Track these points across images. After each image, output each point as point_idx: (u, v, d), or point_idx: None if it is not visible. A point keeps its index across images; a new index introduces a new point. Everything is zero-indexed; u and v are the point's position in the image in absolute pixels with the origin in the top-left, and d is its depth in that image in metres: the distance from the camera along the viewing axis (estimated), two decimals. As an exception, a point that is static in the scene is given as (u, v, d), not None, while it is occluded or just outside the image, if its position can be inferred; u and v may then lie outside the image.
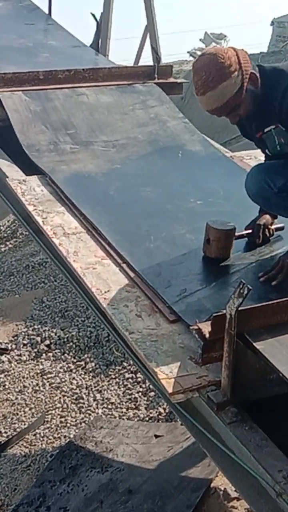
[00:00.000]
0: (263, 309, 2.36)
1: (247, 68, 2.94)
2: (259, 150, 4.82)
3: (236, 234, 3.30)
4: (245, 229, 3.40)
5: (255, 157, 4.66)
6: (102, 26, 8.49)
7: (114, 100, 5.11)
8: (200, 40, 24.08)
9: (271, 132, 3.09)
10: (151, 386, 5.33)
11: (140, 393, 5.29)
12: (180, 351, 2.65)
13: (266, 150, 3.24)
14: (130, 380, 5.52)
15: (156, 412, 4.95)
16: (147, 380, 5.40)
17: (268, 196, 3.24)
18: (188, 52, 19.59)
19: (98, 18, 6.96)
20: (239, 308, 2.23)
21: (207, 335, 2.36)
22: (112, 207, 3.82)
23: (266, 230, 3.40)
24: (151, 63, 15.61)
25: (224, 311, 2.29)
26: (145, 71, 5.44)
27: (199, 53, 18.96)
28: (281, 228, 3.47)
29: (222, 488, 3.74)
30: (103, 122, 4.87)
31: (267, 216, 3.43)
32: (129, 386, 5.44)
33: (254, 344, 2.30)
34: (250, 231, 3.40)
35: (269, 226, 3.42)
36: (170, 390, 2.44)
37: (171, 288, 3.04)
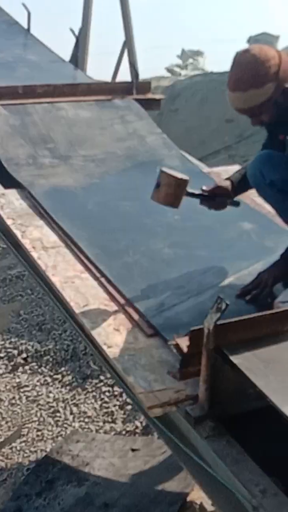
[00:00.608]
0: (240, 324, 2.38)
1: (283, 81, 2.89)
2: (236, 166, 4.89)
3: (190, 190, 3.26)
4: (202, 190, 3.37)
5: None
6: (80, 41, 8.54)
7: (93, 115, 5.14)
8: (177, 56, 24.23)
9: None
10: (128, 400, 5.33)
11: (117, 407, 5.29)
12: (158, 365, 2.67)
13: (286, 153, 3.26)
14: (107, 393, 5.52)
15: (133, 426, 4.96)
16: (124, 394, 5.41)
17: (260, 185, 3.30)
18: (165, 68, 19.70)
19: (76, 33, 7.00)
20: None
21: (185, 350, 2.38)
22: (91, 221, 3.84)
23: (222, 198, 3.39)
24: (129, 78, 15.76)
25: (202, 325, 2.32)
26: (124, 87, 5.49)
27: (176, 69, 19.12)
28: (236, 204, 3.48)
29: (198, 502, 3.75)
30: (82, 137, 4.89)
31: (228, 183, 3.41)
32: (106, 399, 5.45)
33: (231, 358, 2.33)
34: (205, 193, 3.37)
35: (225, 197, 3.40)
36: (148, 404, 2.45)
37: (149, 302, 3.06)
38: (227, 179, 3.46)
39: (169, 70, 19.16)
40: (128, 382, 2.58)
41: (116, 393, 5.49)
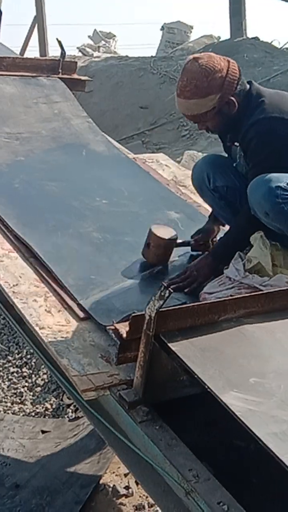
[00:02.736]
0: (179, 312, 2.41)
1: (228, 93, 2.97)
2: (161, 154, 4.93)
3: (179, 241, 3.34)
4: (192, 237, 3.44)
5: (156, 160, 4.75)
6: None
7: (17, 92, 5.04)
8: (89, 37, 24.03)
9: (234, 147, 3.19)
10: (37, 381, 5.31)
11: (25, 388, 5.24)
12: (91, 348, 2.67)
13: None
14: (15, 374, 5.45)
15: (43, 407, 4.93)
16: (33, 375, 5.38)
17: (203, 188, 3.37)
18: (77, 48, 19.47)
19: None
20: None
21: (124, 335, 2.39)
22: (18, 199, 3.79)
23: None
24: (38, 53, 15.49)
25: (138, 312, 2.34)
26: (49, 65, 5.40)
27: (88, 50, 18.97)
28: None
29: (111, 485, 3.79)
30: (6, 113, 4.80)
31: (214, 228, 3.47)
32: (14, 380, 5.38)
33: (170, 345, 2.35)
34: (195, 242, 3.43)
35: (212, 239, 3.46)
36: (82, 387, 2.46)
37: (80, 285, 3.06)
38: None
39: (80, 50, 18.93)
40: (61, 365, 2.57)
41: (25, 374, 5.44)
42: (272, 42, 13.14)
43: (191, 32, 19.20)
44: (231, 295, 2.79)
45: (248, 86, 3.08)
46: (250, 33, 13.66)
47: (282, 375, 2.26)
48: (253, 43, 12.58)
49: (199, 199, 3.97)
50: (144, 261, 3.31)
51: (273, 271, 2.99)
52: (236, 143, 3.17)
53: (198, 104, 2.98)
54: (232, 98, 2.99)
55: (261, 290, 2.79)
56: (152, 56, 13.52)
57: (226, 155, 3.37)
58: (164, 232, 3.29)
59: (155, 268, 3.27)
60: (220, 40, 14.88)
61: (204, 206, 3.94)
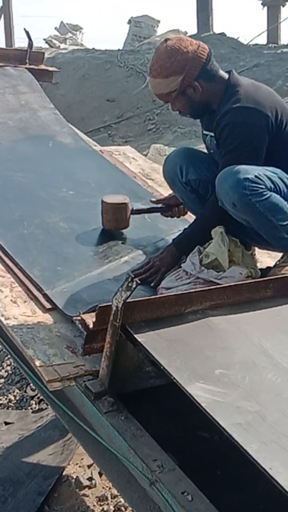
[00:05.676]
0: (146, 303, 2.41)
1: (190, 77, 3.00)
2: (128, 147, 4.92)
3: (136, 208, 3.47)
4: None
5: (123, 153, 4.74)
6: None
7: (-17, 81, 5.01)
8: (56, 29, 23.91)
9: (209, 136, 3.20)
10: (0, 373, 5.28)
11: (-12, 380, 5.23)
12: (57, 339, 2.67)
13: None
14: (-23, 366, 5.43)
15: (6, 399, 4.91)
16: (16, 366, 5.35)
17: (175, 181, 3.37)
18: (44, 39, 19.35)
19: None
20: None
21: (91, 326, 2.39)
22: (-16, 189, 3.77)
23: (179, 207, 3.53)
24: (4, 46, 15.39)
25: (105, 303, 2.34)
26: (16, 55, 5.36)
27: (55, 41, 18.85)
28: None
29: (74, 476, 3.78)
30: (-29, 103, 4.76)
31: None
32: (-23, 372, 5.36)
33: (136, 336, 2.36)
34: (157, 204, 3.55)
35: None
36: (47, 378, 2.45)
37: (46, 276, 3.05)
38: None
39: (47, 42, 18.81)
40: (27, 355, 2.57)
41: (-12, 365, 5.41)
42: (238, 38, 13.20)
43: (158, 26, 19.18)
44: (185, 290, 2.80)
45: (227, 74, 3.11)
46: (217, 29, 13.72)
47: (247, 367, 2.28)
48: (220, 38, 12.62)
49: (165, 192, 3.98)
50: (111, 251, 3.32)
51: (229, 268, 3.00)
52: (206, 132, 3.19)
53: (161, 84, 3.04)
54: (196, 83, 3.02)
55: (217, 284, 2.81)
56: (119, 49, 13.48)
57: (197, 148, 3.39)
58: (113, 199, 3.43)
59: (119, 259, 3.27)
60: (187, 35, 14.89)
61: (170, 199, 3.94)
